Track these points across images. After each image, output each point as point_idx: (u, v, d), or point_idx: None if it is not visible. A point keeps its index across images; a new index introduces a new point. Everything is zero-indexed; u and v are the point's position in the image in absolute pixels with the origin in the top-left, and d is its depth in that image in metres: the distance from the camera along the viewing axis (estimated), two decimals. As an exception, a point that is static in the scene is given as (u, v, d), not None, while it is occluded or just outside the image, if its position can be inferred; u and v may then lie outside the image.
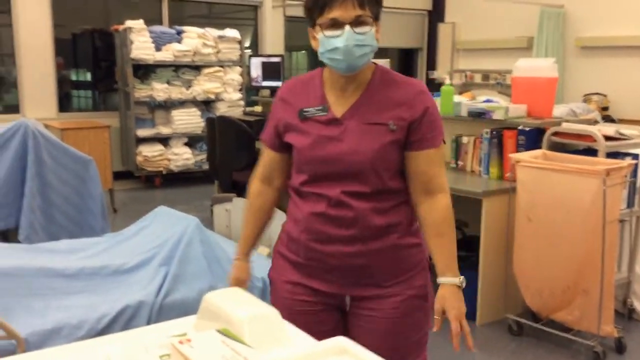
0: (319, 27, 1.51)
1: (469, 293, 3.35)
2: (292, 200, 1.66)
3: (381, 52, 9.43)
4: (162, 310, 2.47)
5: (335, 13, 1.47)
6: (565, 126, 3.40)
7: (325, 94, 1.61)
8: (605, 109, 7.03)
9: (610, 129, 3.35)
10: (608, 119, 6.53)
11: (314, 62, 8.49)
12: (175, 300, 2.52)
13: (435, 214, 1.59)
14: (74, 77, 7.45)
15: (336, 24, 1.48)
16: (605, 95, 7.15)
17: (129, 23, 6.52)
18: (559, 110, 4.81)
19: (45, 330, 2.25)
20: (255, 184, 1.74)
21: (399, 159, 1.57)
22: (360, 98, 1.58)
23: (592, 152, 3.20)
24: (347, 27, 1.46)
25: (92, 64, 7.60)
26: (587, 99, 7.17)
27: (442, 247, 1.58)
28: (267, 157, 1.71)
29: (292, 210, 1.66)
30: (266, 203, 1.73)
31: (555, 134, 3.36)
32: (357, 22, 1.48)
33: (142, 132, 6.76)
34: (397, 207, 1.60)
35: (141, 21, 6.57)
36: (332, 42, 1.49)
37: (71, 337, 2.26)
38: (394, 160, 1.57)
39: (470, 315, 3.37)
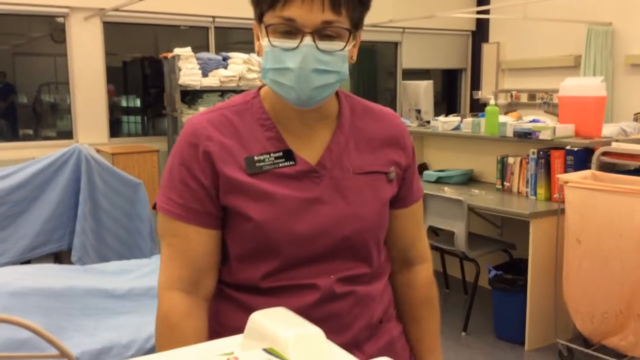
0: (264, 29, 0.99)
1: (518, 317, 3.30)
2: (234, 303, 1.08)
3: (424, 74, 9.47)
4: (208, 331, 2.51)
5: (293, 12, 0.95)
6: (615, 146, 3.32)
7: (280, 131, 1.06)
8: (657, 127, 6.82)
9: (662, 148, 3.25)
10: (661, 138, 6.33)
11: (360, 85, 8.54)
12: (221, 321, 2.55)
13: (414, 293, 1.22)
14: (124, 104, 7.69)
15: (291, 30, 0.96)
16: (657, 114, 6.95)
17: (177, 51, 6.71)
18: (608, 130, 4.69)
19: (96, 350, 2.31)
20: (174, 298, 1.04)
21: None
22: (336, 136, 1.08)
23: (643, 172, 3.11)
24: (308, 39, 0.95)
25: (141, 90, 7.84)
26: (638, 117, 6.98)
27: (421, 334, 1.22)
28: (195, 244, 1.04)
29: (231, 319, 1.07)
30: (201, 325, 1.05)
31: (605, 153, 3.28)
32: (323, 33, 0.96)
33: (189, 156, 6.90)
34: (387, 286, 1.20)
35: (189, 48, 6.75)
36: (280, 56, 0.97)
37: (121, 356, 2.31)
38: (387, 224, 1.15)
39: (519, 340, 3.31)
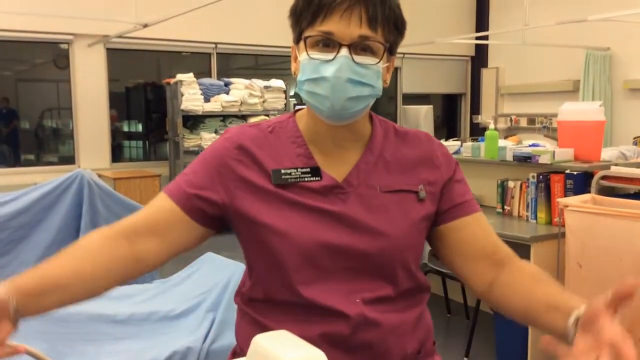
0: (303, 44, 1.04)
1: (520, 342, 3.28)
2: (257, 316, 1.08)
3: (424, 98, 9.55)
4: (209, 357, 2.49)
5: (331, 26, 1.00)
6: (614, 169, 3.34)
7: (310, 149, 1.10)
8: (657, 151, 6.85)
9: (661, 172, 3.27)
10: (661, 162, 6.35)
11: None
12: (222, 346, 2.54)
13: (523, 272, 1.07)
14: (126, 129, 7.74)
15: (329, 43, 1.01)
16: (657, 138, 6.98)
17: (179, 76, 6.78)
18: (608, 154, 4.72)
19: (97, 375, 2.30)
20: (102, 232, 1.08)
21: (424, 242, 1.14)
22: (365, 156, 1.10)
23: (643, 195, 3.12)
24: (344, 50, 1.00)
25: (143, 115, 7.89)
26: (637, 141, 7.01)
27: (553, 287, 1.02)
28: (161, 209, 1.07)
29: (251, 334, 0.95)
30: (115, 255, 1.04)
31: (604, 177, 3.30)
32: (359, 47, 1.01)
33: (190, 181, 6.93)
34: (424, 318, 1.15)
35: (191, 74, 6.82)
36: (317, 67, 1.01)
37: (121, 382, 2.30)
38: (421, 245, 1.13)
39: (521, 364, 3.28)
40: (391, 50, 1.06)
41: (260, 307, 1.09)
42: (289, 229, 1.03)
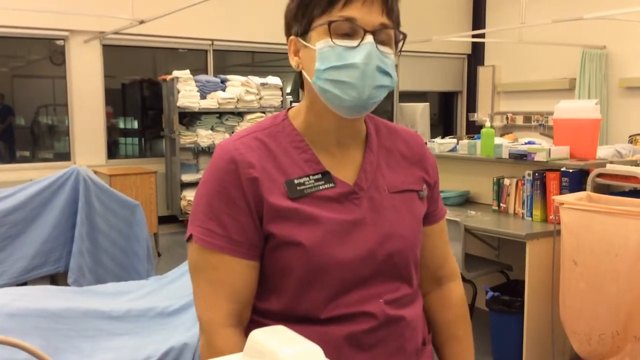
0: (323, 30, 0.98)
1: (515, 339, 3.29)
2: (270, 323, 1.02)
3: (421, 96, 9.53)
4: (206, 353, 2.50)
5: (354, 12, 0.96)
6: (610, 167, 3.35)
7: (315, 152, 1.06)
8: (652, 149, 6.88)
9: (656, 170, 3.28)
10: (656, 160, 6.38)
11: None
12: (218, 342, 2.54)
13: (449, 311, 1.21)
14: (122, 125, 7.72)
15: (350, 32, 0.97)
16: (652, 136, 7.01)
17: (176, 73, 6.77)
18: (604, 151, 4.74)
19: (93, 371, 2.30)
20: (229, 336, 1.01)
21: None
22: (367, 156, 1.08)
23: (638, 193, 3.14)
24: (369, 37, 0.96)
25: (139, 112, 7.88)
26: (633, 139, 7.04)
27: (459, 351, 1.20)
28: (240, 277, 1.02)
29: None
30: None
31: (600, 175, 3.31)
32: (380, 37, 0.98)
33: (186, 177, 6.92)
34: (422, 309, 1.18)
35: (187, 71, 6.81)
36: (342, 54, 0.96)
37: (117, 378, 2.30)
38: (421, 242, 1.15)
39: (516, 361, 3.30)
40: (397, 46, 1.05)
41: (276, 317, 1.05)
42: (314, 245, 0.99)
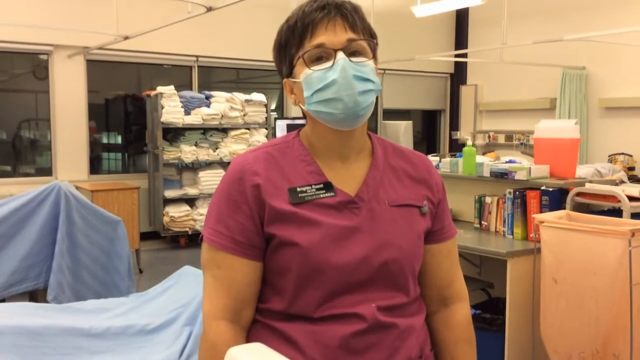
0: (301, 64, 1.10)
1: (496, 357, 3.30)
2: (277, 334, 1.11)
3: (404, 114, 9.62)
4: (186, 371, 2.47)
5: (321, 38, 1.08)
6: (589, 186, 3.40)
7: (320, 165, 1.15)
8: (631, 169, 6.99)
9: (634, 189, 3.33)
10: (635, 179, 6.48)
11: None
12: (199, 360, 2.52)
13: (451, 332, 1.24)
14: (105, 140, 7.68)
15: (323, 55, 1.09)
16: (631, 156, 7.12)
17: (160, 89, 6.76)
18: (584, 171, 4.81)
19: (71, 390, 2.27)
20: (220, 327, 1.11)
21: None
22: (371, 171, 1.16)
23: (617, 212, 3.18)
24: (340, 54, 1.07)
25: (123, 127, 7.85)
26: (612, 158, 7.15)
27: None
28: (240, 274, 1.10)
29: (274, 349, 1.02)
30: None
31: (579, 194, 3.36)
32: (350, 50, 1.09)
33: (169, 193, 6.89)
34: (424, 325, 1.21)
35: (172, 87, 6.81)
36: (321, 76, 1.08)
37: (96, 397, 2.27)
38: (422, 257, 1.19)
39: (498, 379, 3.30)
40: (373, 53, 1.14)
41: (277, 317, 1.12)
42: (310, 246, 1.07)
